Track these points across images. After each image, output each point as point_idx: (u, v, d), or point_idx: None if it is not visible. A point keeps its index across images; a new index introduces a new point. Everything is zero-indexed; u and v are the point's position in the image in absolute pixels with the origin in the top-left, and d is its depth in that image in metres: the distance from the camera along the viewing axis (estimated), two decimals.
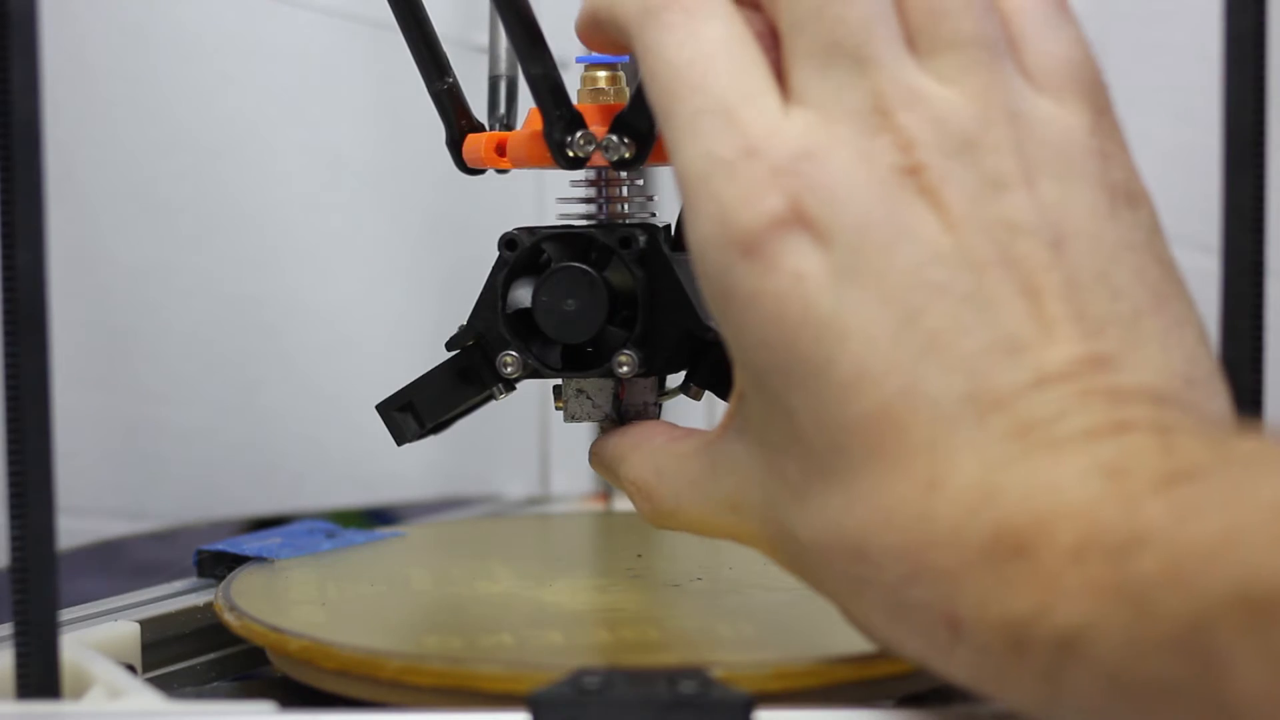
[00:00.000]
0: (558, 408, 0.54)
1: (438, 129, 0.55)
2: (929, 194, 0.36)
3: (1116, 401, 0.35)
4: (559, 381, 0.54)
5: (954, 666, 0.35)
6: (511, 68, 0.57)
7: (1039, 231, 0.36)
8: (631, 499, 0.45)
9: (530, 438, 0.83)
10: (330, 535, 0.62)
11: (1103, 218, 0.37)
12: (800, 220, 0.36)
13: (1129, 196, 0.38)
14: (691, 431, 0.45)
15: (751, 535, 0.41)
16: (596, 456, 0.49)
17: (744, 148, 0.37)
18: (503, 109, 0.57)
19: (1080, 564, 0.32)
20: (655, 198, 0.55)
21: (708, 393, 0.53)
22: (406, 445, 0.55)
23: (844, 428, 0.36)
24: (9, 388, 0.44)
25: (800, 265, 0.36)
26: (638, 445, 0.45)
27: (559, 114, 0.50)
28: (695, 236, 0.38)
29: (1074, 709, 0.33)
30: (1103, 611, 0.32)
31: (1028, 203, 0.37)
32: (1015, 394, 0.35)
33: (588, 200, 0.54)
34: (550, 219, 0.54)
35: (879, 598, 0.36)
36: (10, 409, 0.44)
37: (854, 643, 0.48)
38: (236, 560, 0.59)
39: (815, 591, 0.39)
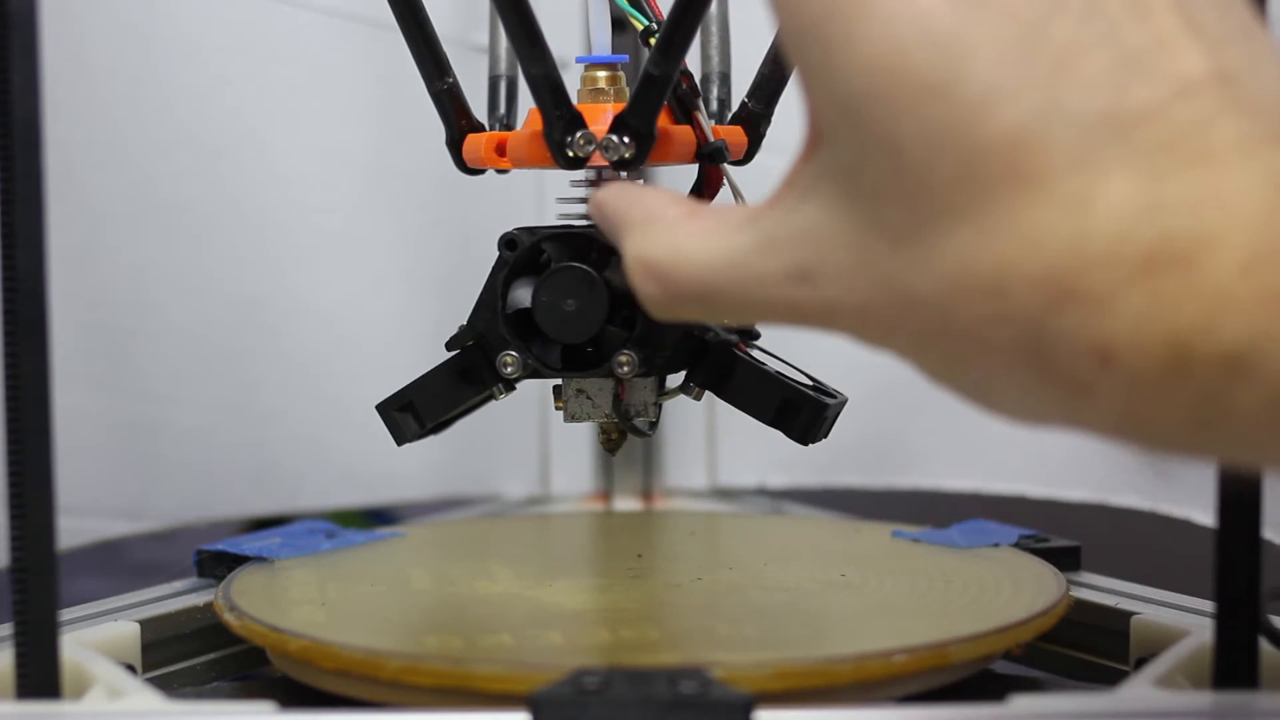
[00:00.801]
0: (558, 408, 0.54)
1: (438, 129, 0.55)
2: None
3: (1257, 114, 0.33)
4: (559, 381, 0.54)
5: (1098, 405, 0.33)
6: (511, 68, 0.57)
7: None
8: (632, 276, 0.40)
9: (530, 438, 0.83)
10: (330, 535, 0.62)
11: None
12: None
13: None
14: (712, 208, 0.41)
15: (826, 305, 0.37)
16: (600, 207, 0.44)
17: None
18: (503, 109, 0.57)
19: (1254, 276, 0.31)
20: None
21: (708, 393, 0.53)
22: (406, 445, 0.55)
23: (974, 152, 0.34)
24: (9, 388, 0.44)
25: None
26: (649, 221, 0.41)
27: (559, 114, 0.50)
28: None
29: (1235, 434, 0.32)
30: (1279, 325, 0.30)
31: None
32: (1156, 108, 0.33)
33: (588, 200, 0.54)
34: (550, 219, 0.54)
35: (1015, 338, 0.33)
36: (10, 409, 0.44)
37: (854, 643, 0.48)
38: (236, 560, 0.59)
39: (917, 360, 0.36)
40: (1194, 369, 0.31)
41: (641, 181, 0.51)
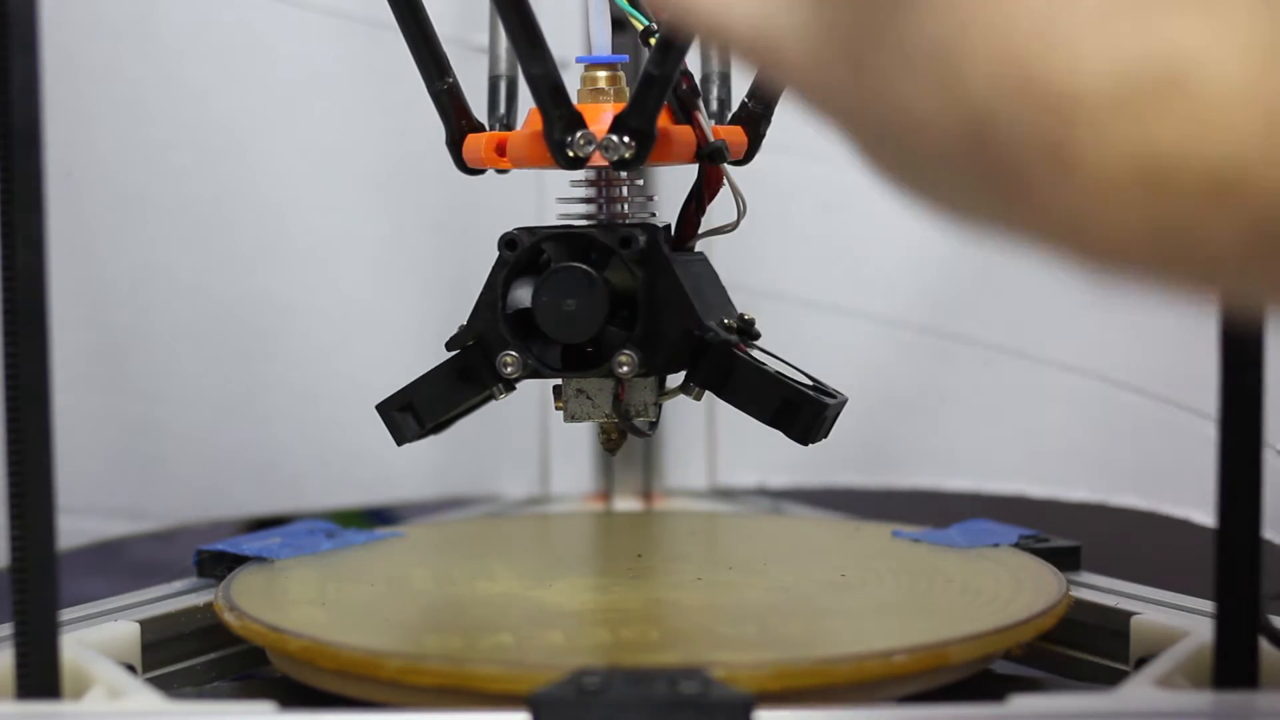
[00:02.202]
0: (558, 408, 0.54)
1: (438, 129, 0.55)
2: None
3: None
4: (559, 381, 0.54)
5: (1044, 208, 0.31)
6: (511, 68, 0.57)
7: None
8: None
9: (530, 438, 0.83)
10: (330, 535, 0.62)
11: None
12: None
13: None
14: None
15: (779, 43, 0.35)
16: None
17: None
18: (503, 109, 0.57)
19: (1251, 100, 0.29)
20: (655, 198, 0.55)
21: (708, 393, 0.53)
22: (406, 445, 0.55)
23: None
24: (9, 388, 0.44)
25: None
26: None
27: (559, 114, 0.50)
28: None
29: (1207, 259, 0.30)
30: None
31: None
32: None
33: (588, 200, 0.54)
34: (550, 219, 0.54)
35: (961, 122, 0.31)
36: (10, 409, 0.44)
37: (854, 643, 0.48)
38: (236, 560, 0.59)
39: (851, 133, 0.34)
40: (1171, 187, 0.30)
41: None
